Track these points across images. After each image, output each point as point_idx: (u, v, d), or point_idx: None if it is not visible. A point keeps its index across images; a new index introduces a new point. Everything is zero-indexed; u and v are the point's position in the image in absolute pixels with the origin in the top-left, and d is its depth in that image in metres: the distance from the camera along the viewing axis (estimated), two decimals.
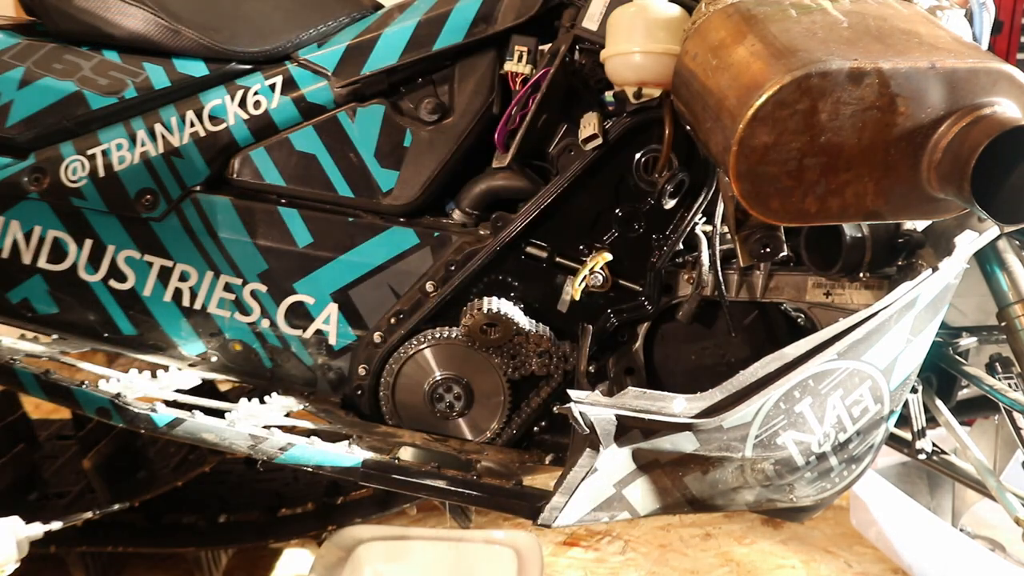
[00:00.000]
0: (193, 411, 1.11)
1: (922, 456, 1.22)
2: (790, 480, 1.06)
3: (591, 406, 0.96)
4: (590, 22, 1.17)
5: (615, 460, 1.01)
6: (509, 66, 1.21)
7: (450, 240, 1.25)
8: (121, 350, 1.29)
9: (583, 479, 1.00)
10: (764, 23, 0.92)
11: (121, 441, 1.50)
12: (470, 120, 1.24)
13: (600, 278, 1.22)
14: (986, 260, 1.13)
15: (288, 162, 1.24)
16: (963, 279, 1.06)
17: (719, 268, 1.20)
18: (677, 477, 1.05)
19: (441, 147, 1.24)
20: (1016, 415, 1.18)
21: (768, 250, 1.10)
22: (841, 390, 1.02)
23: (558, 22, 1.23)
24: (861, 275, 1.16)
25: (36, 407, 1.77)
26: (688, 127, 1.11)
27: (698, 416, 0.98)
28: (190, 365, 1.29)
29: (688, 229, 1.22)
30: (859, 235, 1.13)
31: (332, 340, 1.28)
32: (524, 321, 1.23)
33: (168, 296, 1.26)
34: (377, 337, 1.27)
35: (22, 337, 1.27)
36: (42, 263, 1.24)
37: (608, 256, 1.21)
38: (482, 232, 1.24)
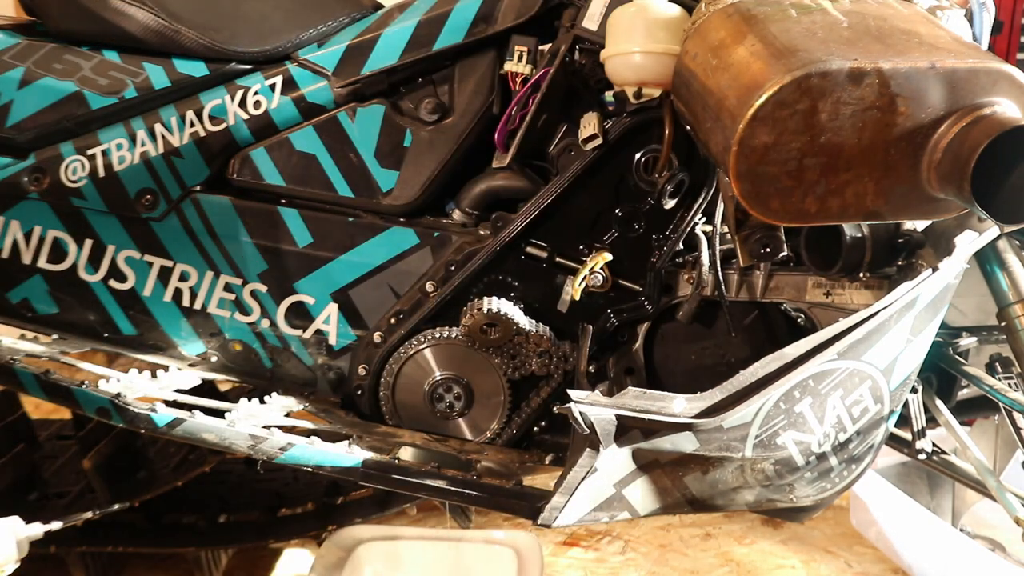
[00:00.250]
0: (193, 411, 1.11)
1: (922, 456, 1.22)
2: (790, 480, 1.07)
3: (591, 406, 0.96)
4: (590, 22, 1.17)
5: (615, 460, 1.01)
6: (509, 66, 1.21)
7: (450, 240, 1.25)
8: (121, 350, 1.29)
9: (583, 479, 1.00)
10: (764, 23, 0.92)
11: (121, 441, 1.50)
12: (470, 120, 1.24)
13: (600, 278, 1.22)
14: (986, 260, 1.13)
15: (288, 162, 1.24)
16: (963, 279, 1.06)
17: (719, 268, 1.20)
18: (677, 477, 1.05)
19: (441, 147, 1.24)
20: (1016, 415, 1.18)
21: (768, 250, 1.10)
22: (841, 390, 1.02)
23: (558, 22, 1.23)
24: (861, 275, 1.16)
25: (36, 407, 1.77)
26: (688, 127, 1.11)
27: (698, 416, 0.98)
28: (190, 365, 1.29)
29: (688, 229, 1.22)
30: (859, 235, 1.13)
31: (332, 340, 1.28)
32: (524, 321, 1.23)
33: (168, 296, 1.26)
34: (377, 337, 1.27)
35: (22, 337, 1.27)
36: (42, 263, 1.24)
37: (608, 256, 1.21)
38: (482, 232, 1.24)
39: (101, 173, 1.22)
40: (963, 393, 1.33)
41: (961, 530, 1.61)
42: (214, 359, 1.30)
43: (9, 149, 1.22)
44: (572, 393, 0.98)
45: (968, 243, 1.03)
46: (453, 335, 1.24)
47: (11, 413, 1.59)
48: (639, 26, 1.10)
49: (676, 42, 1.08)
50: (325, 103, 1.24)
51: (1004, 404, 1.16)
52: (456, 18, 1.22)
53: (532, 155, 1.24)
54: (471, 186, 1.26)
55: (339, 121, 1.24)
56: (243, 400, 1.18)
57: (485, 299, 1.22)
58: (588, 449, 0.99)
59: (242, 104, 1.23)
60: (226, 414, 1.12)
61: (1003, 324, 1.12)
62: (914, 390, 1.19)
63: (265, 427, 1.12)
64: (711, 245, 1.21)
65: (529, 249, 1.25)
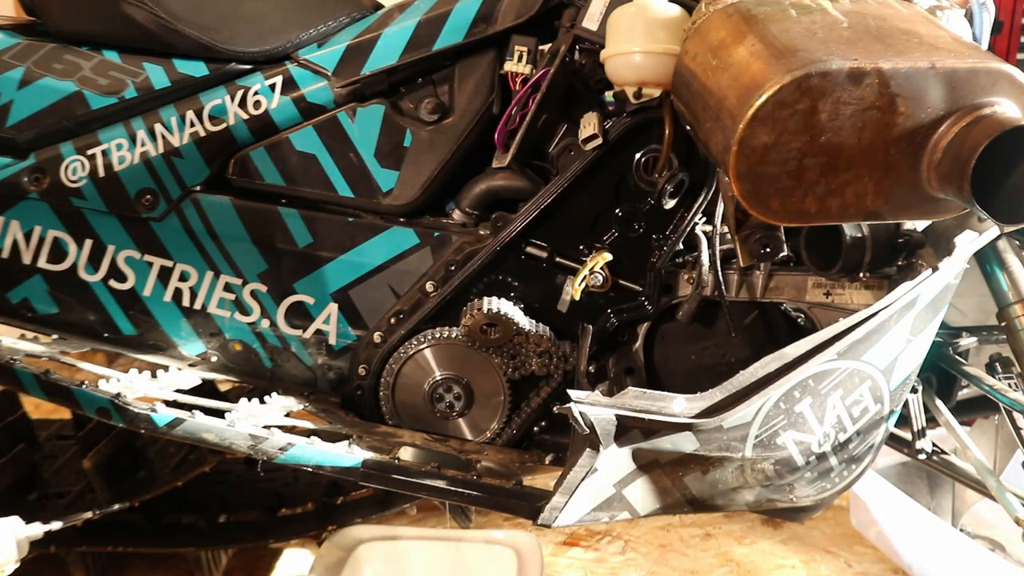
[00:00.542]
0: (193, 411, 1.11)
1: (922, 456, 1.22)
2: (790, 480, 1.06)
3: (591, 406, 0.96)
4: (590, 22, 1.17)
5: (615, 460, 1.01)
6: (509, 66, 1.21)
7: (450, 240, 1.25)
8: (121, 350, 1.29)
9: (583, 479, 1.00)
10: (764, 23, 0.92)
11: (121, 441, 1.50)
12: (470, 120, 1.24)
13: (600, 278, 1.22)
14: (986, 260, 1.13)
15: (288, 162, 1.24)
16: (963, 279, 1.06)
17: (719, 268, 1.20)
18: (677, 477, 1.05)
19: (441, 147, 1.24)
20: (1016, 415, 1.18)
21: (768, 250, 1.10)
22: (841, 390, 1.02)
23: (558, 22, 1.23)
24: (861, 275, 1.16)
25: (36, 407, 1.77)
26: (688, 127, 1.11)
27: (698, 416, 0.98)
28: (190, 365, 1.29)
29: (688, 229, 1.22)
30: (859, 235, 1.13)
31: (332, 340, 1.28)
32: (524, 321, 1.23)
33: (168, 296, 1.26)
34: (377, 337, 1.27)
35: (22, 337, 1.27)
36: (42, 263, 1.24)
37: (608, 256, 1.21)
38: (482, 232, 1.24)
39: (101, 173, 1.22)
40: (963, 393, 1.33)
41: (961, 530, 1.61)
42: (214, 359, 1.30)
43: (9, 149, 1.22)
44: (572, 393, 0.98)
45: (968, 243, 1.03)
46: (453, 335, 1.24)
47: (11, 413, 1.59)
48: (639, 26, 1.10)
49: (676, 42, 1.08)
50: (325, 103, 1.24)
51: (1004, 404, 1.16)
52: (456, 18, 1.22)
53: (532, 155, 1.24)
54: (471, 186, 1.26)
55: (339, 121, 1.24)
56: (243, 400, 1.18)
57: (485, 299, 1.22)
58: (588, 449, 0.99)
59: (242, 104, 1.23)
60: (226, 414, 1.12)
61: (1003, 324, 1.12)
62: (914, 390, 1.19)
63: (265, 427, 1.12)
64: (711, 245, 1.21)
65: (529, 249, 1.25)
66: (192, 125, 1.23)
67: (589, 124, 1.18)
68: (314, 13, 1.29)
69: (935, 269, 1.01)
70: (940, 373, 1.25)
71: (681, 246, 1.24)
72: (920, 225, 1.15)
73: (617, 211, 1.24)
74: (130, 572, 1.66)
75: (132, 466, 1.52)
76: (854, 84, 0.83)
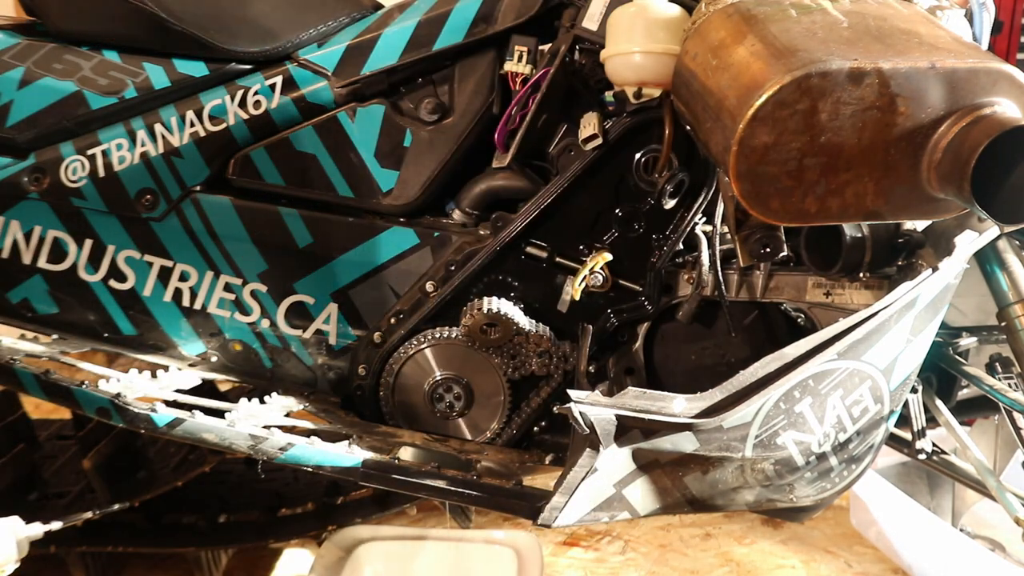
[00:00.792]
0: (193, 411, 1.11)
1: (922, 456, 1.22)
2: (790, 480, 1.06)
3: (591, 406, 0.96)
4: (590, 22, 1.17)
5: (615, 460, 1.01)
6: (509, 66, 1.21)
7: (450, 240, 1.25)
8: (121, 350, 1.29)
9: (583, 479, 1.00)
10: (764, 23, 0.92)
11: (121, 441, 1.50)
12: (470, 120, 1.24)
13: (600, 278, 1.22)
14: (986, 260, 1.13)
15: (288, 162, 1.24)
16: (963, 279, 1.06)
17: (719, 268, 1.20)
18: (677, 477, 1.05)
19: (441, 147, 1.24)
20: (1016, 415, 1.18)
21: (768, 250, 1.10)
22: (841, 390, 1.02)
23: (558, 22, 1.23)
24: (861, 275, 1.16)
25: (36, 407, 1.77)
26: (688, 127, 1.11)
27: (698, 416, 0.98)
28: (190, 365, 1.29)
29: (688, 229, 1.22)
30: (859, 235, 1.13)
31: (332, 340, 1.28)
32: (524, 321, 1.23)
33: (168, 296, 1.26)
34: (377, 337, 1.27)
35: (22, 337, 1.27)
36: (42, 263, 1.24)
37: (608, 256, 1.21)
38: (482, 232, 1.24)
39: (101, 173, 1.22)
40: (963, 393, 1.33)
41: (961, 530, 1.61)
42: (214, 359, 1.30)
43: (9, 149, 1.22)
44: (572, 393, 0.98)
45: (968, 243, 1.03)
46: (453, 335, 1.24)
47: (11, 413, 1.59)
48: (639, 26, 1.10)
49: (676, 42, 1.08)
50: (325, 103, 1.24)
51: (1004, 404, 1.16)
52: (456, 18, 1.22)
53: (532, 155, 1.24)
54: (471, 186, 1.26)
55: (339, 121, 1.24)
56: (243, 400, 1.18)
57: (485, 299, 1.22)
58: (588, 449, 0.99)
59: (242, 104, 1.23)
60: (226, 414, 1.12)
61: (1003, 324, 1.12)
62: (914, 390, 1.19)
63: (265, 427, 1.12)
64: (711, 245, 1.21)
65: (529, 249, 1.25)
66: (192, 125, 1.23)
67: (589, 124, 1.18)
68: (314, 13, 1.29)
69: (935, 269, 1.01)
70: (940, 373, 1.25)
71: (681, 246, 1.24)
72: (920, 225, 1.15)
73: (617, 211, 1.24)
74: (130, 572, 1.66)
75: (132, 466, 1.52)
76: (854, 84, 0.83)
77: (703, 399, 0.99)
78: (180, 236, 1.25)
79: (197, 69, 1.23)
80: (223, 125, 1.23)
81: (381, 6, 1.34)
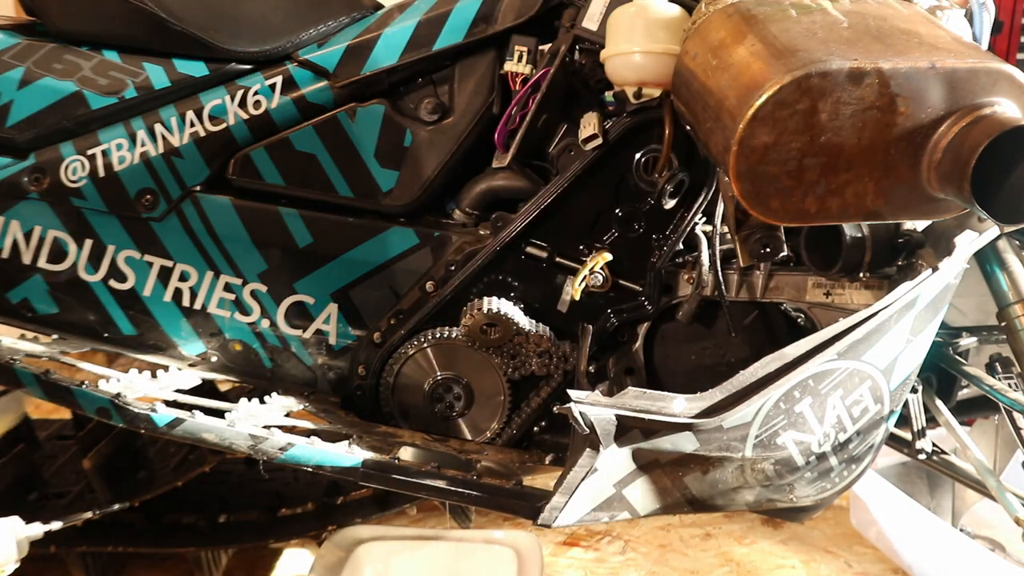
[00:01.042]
0: (193, 411, 1.11)
1: (922, 456, 1.22)
2: (790, 480, 1.06)
3: (591, 406, 0.96)
4: (590, 22, 1.17)
5: (615, 460, 1.01)
6: (509, 66, 1.21)
7: (450, 240, 1.25)
8: (121, 350, 1.29)
9: (583, 479, 1.00)
10: (764, 23, 0.92)
11: (121, 441, 1.50)
12: (470, 120, 1.24)
13: (600, 278, 1.22)
14: (986, 260, 1.13)
15: (288, 162, 1.24)
16: (963, 279, 1.06)
17: (719, 268, 1.20)
18: (677, 477, 1.05)
19: (441, 147, 1.24)
20: (1016, 415, 1.18)
21: (768, 250, 1.10)
22: (841, 390, 1.02)
23: (558, 22, 1.23)
24: (861, 275, 1.16)
25: (36, 407, 1.77)
26: (688, 127, 1.11)
27: (698, 416, 0.98)
28: (190, 365, 1.29)
29: (688, 229, 1.22)
30: (859, 235, 1.13)
31: (332, 340, 1.28)
32: (524, 321, 1.23)
33: (168, 296, 1.26)
34: (377, 337, 1.27)
35: (22, 337, 1.27)
36: (42, 263, 1.24)
37: (608, 256, 1.21)
38: (482, 232, 1.24)
39: (101, 173, 1.22)
40: (963, 393, 1.33)
41: (961, 530, 1.61)
42: (214, 359, 1.30)
43: (9, 149, 1.22)
44: (572, 393, 0.98)
45: (968, 243, 1.03)
46: (453, 335, 1.24)
47: None
48: (639, 26, 1.10)
49: (676, 42, 1.08)
50: (325, 103, 1.24)
51: (1004, 404, 1.16)
52: (456, 18, 1.22)
53: (532, 155, 1.24)
54: (471, 186, 1.26)
55: (339, 121, 1.24)
56: (243, 400, 1.18)
57: (485, 299, 1.22)
58: (588, 449, 0.99)
59: (242, 104, 1.23)
60: (226, 414, 1.12)
61: (1003, 324, 1.12)
62: (914, 390, 1.19)
63: (265, 427, 1.12)
64: (711, 245, 1.21)
65: (529, 249, 1.25)
66: (192, 125, 1.23)
67: (589, 124, 1.18)
68: (314, 13, 1.29)
69: (935, 269, 1.01)
70: (940, 373, 1.25)
71: (681, 246, 1.24)
72: (920, 225, 1.15)
73: (617, 211, 1.24)
74: (130, 572, 1.66)
75: (132, 466, 1.52)
76: (854, 84, 0.83)
77: (703, 399, 0.99)
78: (180, 236, 1.25)
79: (197, 69, 1.23)
80: (223, 125, 1.23)
81: (381, 6, 1.34)
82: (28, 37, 1.25)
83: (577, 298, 1.22)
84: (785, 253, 1.11)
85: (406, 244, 1.25)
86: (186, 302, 1.27)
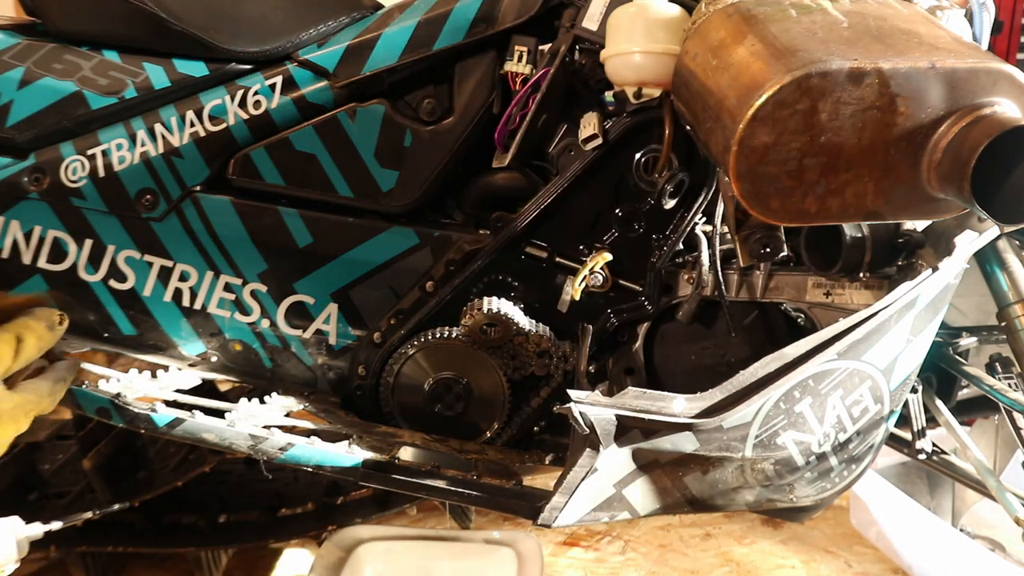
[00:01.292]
0: (193, 411, 1.11)
1: (922, 456, 1.22)
2: (790, 480, 1.07)
3: (591, 406, 0.96)
4: (590, 22, 1.17)
5: (615, 460, 1.01)
6: (509, 66, 1.21)
7: (450, 240, 1.25)
8: (121, 350, 1.29)
9: (583, 479, 1.00)
10: (764, 23, 0.92)
11: (121, 441, 1.50)
12: (470, 120, 1.24)
13: (600, 278, 1.22)
14: (986, 260, 1.13)
15: (288, 162, 1.24)
16: (963, 279, 1.06)
17: (719, 268, 1.20)
18: (677, 477, 1.05)
19: (441, 147, 1.24)
20: (1016, 415, 1.18)
21: (768, 250, 1.10)
22: (841, 390, 1.02)
23: (558, 22, 1.23)
24: (861, 275, 1.16)
25: None
26: (688, 127, 1.11)
27: (698, 416, 0.98)
28: (190, 365, 1.29)
29: (688, 229, 1.22)
30: (859, 235, 1.13)
31: (332, 340, 1.28)
32: (524, 321, 1.23)
33: (168, 296, 1.26)
34: (377, 337, 1.27)
35: None
36: (42, 263, 1.24)
37: (608, 256, 1.21)
38: (482, 232, 1.24)
39: (101, 173, 1.22)
40: (963, 393, 1.33)
41: (961, 530, 1.61)
42: (214, 359, 1.30)
43: (9, 149, 1.22)
44: (572, 393, 0.98)
45: (968, 243, 1.03)
46: (453, 335, 1.24)
47: None
48: (639, 26, 1.10)
49: (676, 42, 1.08)
50: (325, 103, 1.24)
51: (1004, 404, 1.16)
52: (456, 18, 1.22)
53: (532, 155, 1.24)
54: (471, 186, 1.26)
55: (339, 121, 1.24)
56: (243, 400, 1.18)
57: (485, 299, 1.22)
58: (588, 449, 0.99)
59: (242, 104, 1.23)
60: (226, 414, 1.12)
61: (1003, 324, 1.12)
62: (914, 390, 1.19)
63: (265, 427, 1.12)
64: (711, 245, 1.21)
65: (529, 249, 1.25)
66: (192, 125, 1.23)
67: (589, 124, 1.18)
68: (314, 13, 1.29)
69: (935, 269, 1.01)
70: (940, 373, 1.25)
71: (681, 246, 1.24)
72: (920, 225, 1.15)
73: (617, 211, 1.24)
74: (130, 572, 1.66)
75: (132, 466, 1.52)
76: (854, 84, 0.83)
77: (703, 399, 0.99)
78: (180, 236, 1.25)
79: (197, 69, 1.23)
80: (223, 125, 1.23)
81: (381, 6, 1.34)
82: (28, 37, 1.25)
83: (577, 298, 1.22)
84: (785, 253, 1.11)
85: (406, 244, 1.25)
86: (186, 302, 1.27)
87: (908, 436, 1.22)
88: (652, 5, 1.11)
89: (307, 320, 1.28)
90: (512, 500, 1.10)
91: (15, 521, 1.14)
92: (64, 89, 1.21)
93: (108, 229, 1.24)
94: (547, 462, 1.26)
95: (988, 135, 0.81)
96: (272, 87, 1.23)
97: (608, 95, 1.19)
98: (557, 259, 1.25)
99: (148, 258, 1.25)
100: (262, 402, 1.20)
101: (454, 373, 1.25)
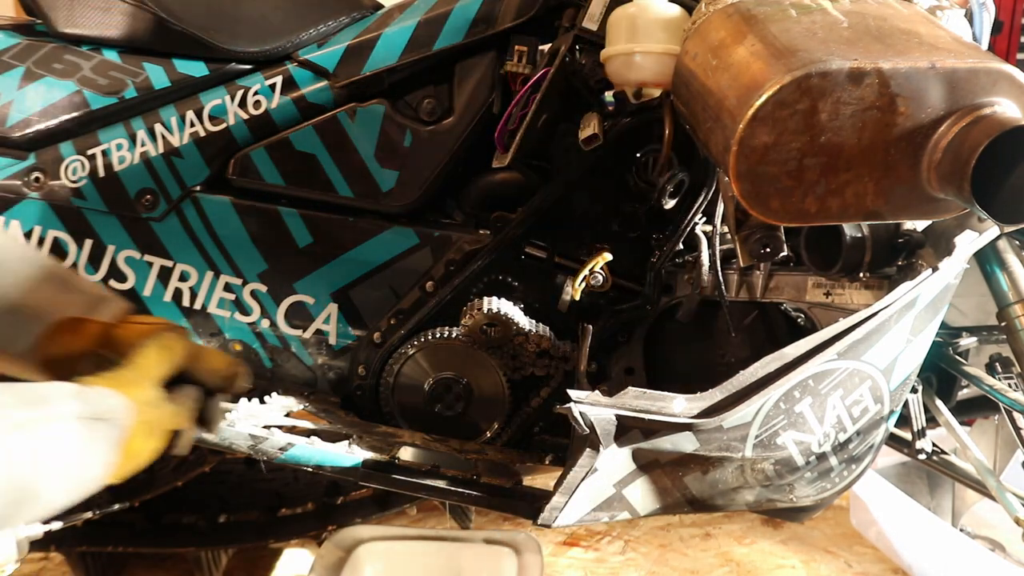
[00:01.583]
0: None
1: (922, 456, 1.22)
2: (790, 480, 1.06)
3: (591, 406, 0.96)
4: (590, 22, 1.17)
5: (615, 460, 1.01)
6: (509, 66, 1.21)
7: (450, 240, 1.25)
8: None
9: (583, 479, 1.00)
10: (764, 23, 0.92)
11: None
12: (470, 120, 1.24)
13: (600, 278, 1.22)
14: (986, 260, 1.13)
15: (288, 162, 1.24)
16: (963, 279, 1.06)
17: (719, 268, 1.20)
18: (677, 477, 1.05)
19: (441, 147, 1.24)
20: (1016, 415, 1.18)
21: (768, 250, 1.10)
22: (841, 390, 1.02)
23: (558, 22, 1.23)
24: (861, 275, 1.16)
25: None
26: (688, 127, 1.10)
27: (698, 416, 0.98)
28: None
29: (688, 229, 1.22)
30: (859, 235, 1.12)
31: (332, 340, 1.28)
32: (524, 321, 1.23)
33: (168, 296, 1.26)
34: (377, 337, 1.27)
35: None
36: None
37: (608, 256, 1.21)
38: (482, 232, 1.24)
39: (101, 173, 1.22)
40: (963, 393, 1.33)
41: (961, 530, 1.61)
42: None
43: (9, 149, 1.22)
44: (572, 393, 0.98)
45: (968, 243, 1.03)
46: (453, 335, 1.24)
47: None
48: (639, 26, 1.10)
49: (676, 42, 1.08)
50: (325, 103, 1.24)
51: (1004, 404, 1.16)
52: (456, 18, 1.22)
53: (532, 155, 1.24)
54: (471, 186, 1.26)
55: (339, 121, 1.24)
56: (243, 400, 1.18)
57: (485, 299, 1.22)
58: (588, 449, 0.99)
59: (242, 104, 1.23)
60: (226, 414, 1.12)
61: (1003, 324, 1.12)
62: (914, 390, 1.19)
63: (265, 427, 1.12)
64: (711, 245, 1.21)
65: (529, 249, 1.25)
66: (192, 125, 1.23)
67: (589, 124, 1.18)
68: (314, 13, 1.29)
69: (935, 269, 1.01)
70: (940, 373, 1.25)
71: (681, 246, 1.24)
72: (920, 225, 1.15)
73: (617, 211, 1.24)
74: (130, 572, 1.66)
75: None
76: (854, 84, 0.83)
77: (703, 399, 0.99)
78: (180, 236, 1.25)
79: (197, 69, 1.23)
80: (223, 125, 1.23)
81: (381, 6, 1.34)
82: (28, 37, 1.25)
83: (577, 298, 1.22)
84: (785, 253, 1.11)
85: (406, 244, 1.25)
86: (186, 302, 1.27)
87: (908, 436, 1.22)
88: (652, 5, 1.11)
89: (307, 320, 1.28)
90: (512, 500, 1.10)
91: None
92: (64, 89, 1.21)
93: (108, 229, 1.24)
94: (547, 462, 1.26)
95: (988, 135, 0.81)
96: (272, 87, 1.23)
97: (608, 95, 1.19)
98: (557, 259, 1.25)
99: (148, 258, 1.25)
100: (262, 402, 1.20)
101: (454, 373, 1.25)
